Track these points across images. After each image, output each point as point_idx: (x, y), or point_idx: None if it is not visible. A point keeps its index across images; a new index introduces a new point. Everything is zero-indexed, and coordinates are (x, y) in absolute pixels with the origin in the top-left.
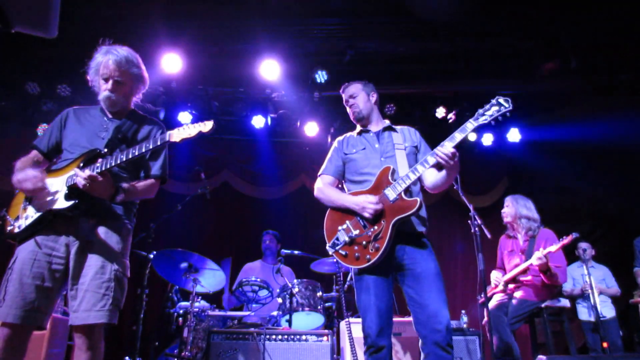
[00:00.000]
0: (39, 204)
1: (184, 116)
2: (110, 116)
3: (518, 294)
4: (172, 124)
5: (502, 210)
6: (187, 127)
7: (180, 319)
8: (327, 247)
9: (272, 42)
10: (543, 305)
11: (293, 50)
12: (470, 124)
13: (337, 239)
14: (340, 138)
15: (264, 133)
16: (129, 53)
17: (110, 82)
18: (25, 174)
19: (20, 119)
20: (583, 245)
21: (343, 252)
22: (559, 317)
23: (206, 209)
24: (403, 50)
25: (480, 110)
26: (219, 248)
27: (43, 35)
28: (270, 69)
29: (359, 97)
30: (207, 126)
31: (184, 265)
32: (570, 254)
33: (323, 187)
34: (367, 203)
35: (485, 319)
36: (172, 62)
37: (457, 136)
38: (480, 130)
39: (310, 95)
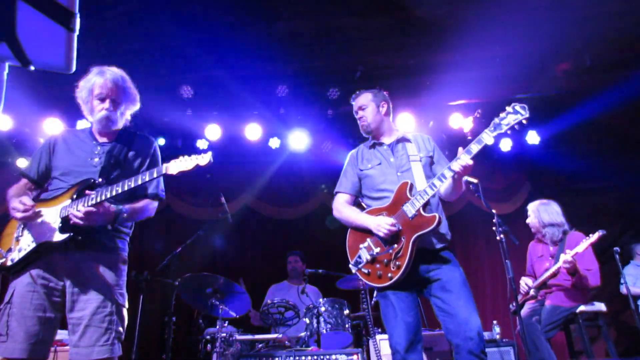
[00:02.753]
0: (32, 236)
1: (202, 143)
2: (100, 140)
3: (550, 300)
4: (191, 152)
5: (527, 221)
6: (185, 159)
7: (209, 345)
8: (350, 266)
9: (283, 64)
10: (577, 310)
11: (304, 70)
12: (487, 134)
13: (359, 257)
14: (353, 151)
15: (280, 153)
16: (122, 73)
17: (108, 101)
18: (17, 202)
19: None
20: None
21: (366, 271)
22: (595, 321)
23: (228, 233)
24: (414, 62)
25: (497, 120)
26: (243, 271)
27: (61, 71)
28: (283, 90)
29: (367, 109)
30: (204, 159)
31: (209, 290)
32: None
33: (340, 206)
34: (382, 223)
35: (518, 328)
36: (186, 90)
37: (474, 148)
38: (497, 135)
39: (324, 113)
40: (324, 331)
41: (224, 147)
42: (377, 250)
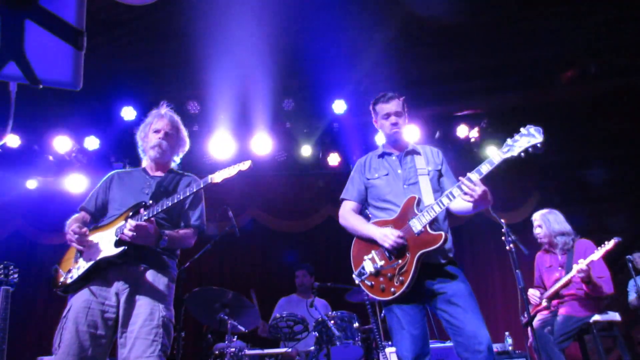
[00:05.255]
0: (90, 254)
1: (208, 158)
2: (151, 174)
3: (563, 310)
4: (198, 165)
5: (535, 232)
6: (228, 168)
7: None
8: (354, 276)
9: (289, 77)
10: (591, 320)
11: (309, 83)
12: (499, 156)
13: (363, 268)
14: (362, 159)
15: (287, 167)
16: (177, 117)
17: (162, 132)
18: (70, 233)
19: (53, 172)
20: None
21: (369, 283)
22: (610, 332)
23: (236, 247)
24: (417, 74)
25: (510, 141)
26: (251, 284)
27: (69, 88)
28: (288, 103)
29: (402, 117)
30: (245, 165)
31: (217, 304)
32: (613, 263)
33: (346, 214)
34: (389, 234)
35: (531, 339)
36: (192, 106)
37: (484, 168)
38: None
39: (329, 126)
40: (334, 345)
41: (231, 161)
42: (382, 263)
